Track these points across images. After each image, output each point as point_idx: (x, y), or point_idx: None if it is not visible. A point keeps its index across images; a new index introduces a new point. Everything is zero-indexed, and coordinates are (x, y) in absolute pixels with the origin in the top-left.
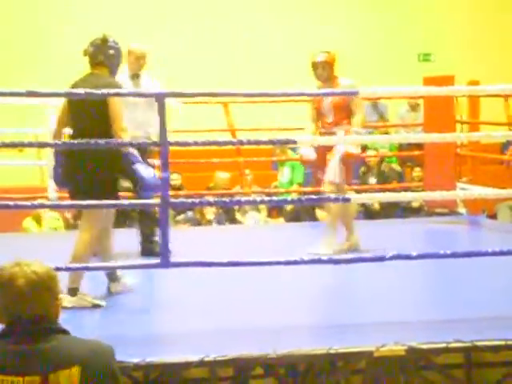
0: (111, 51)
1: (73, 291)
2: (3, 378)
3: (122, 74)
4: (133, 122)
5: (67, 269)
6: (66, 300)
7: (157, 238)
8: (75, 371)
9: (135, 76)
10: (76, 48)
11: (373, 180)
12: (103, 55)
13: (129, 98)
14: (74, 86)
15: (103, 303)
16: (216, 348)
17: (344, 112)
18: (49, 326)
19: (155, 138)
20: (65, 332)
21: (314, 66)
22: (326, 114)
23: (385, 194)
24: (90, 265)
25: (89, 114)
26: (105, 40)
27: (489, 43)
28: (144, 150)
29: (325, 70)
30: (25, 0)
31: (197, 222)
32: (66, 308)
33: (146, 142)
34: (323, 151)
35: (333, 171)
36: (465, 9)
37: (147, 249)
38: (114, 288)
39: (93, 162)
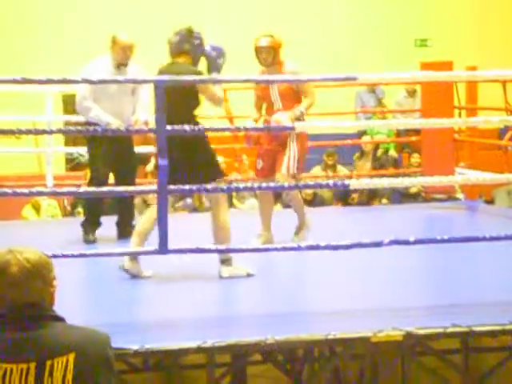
0: (196, 41)
1: (227, 262)
2: None
3: (106, 63)
4: (113, 112)
5: (70, 255)
6: (223, 270)
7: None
8: (71, 358)
9: (120, 65)
10: (76, 37)
11: (367, 165)
12: (188, 44)
13: (110, 88)
14: (159, 74)
15: (254, 271)
16: (214, 334)
17: (293, 99)
18: (43, 313)
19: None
20: (60, 319)
21: (258, 50)
22: (273, 101)
23: (383, 180)
24: (100, 251)
25: (176, 102)
26: (190, 30)
27: (486, 28)
28: (129, 137)
29: (269, 55)
30: None
31: (195, 209)
32: (222, 278)
33: (144, 128)
34: (272, 148)
35: (286, 164)
36: None
37: (126, 232)
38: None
39: (201, 149)
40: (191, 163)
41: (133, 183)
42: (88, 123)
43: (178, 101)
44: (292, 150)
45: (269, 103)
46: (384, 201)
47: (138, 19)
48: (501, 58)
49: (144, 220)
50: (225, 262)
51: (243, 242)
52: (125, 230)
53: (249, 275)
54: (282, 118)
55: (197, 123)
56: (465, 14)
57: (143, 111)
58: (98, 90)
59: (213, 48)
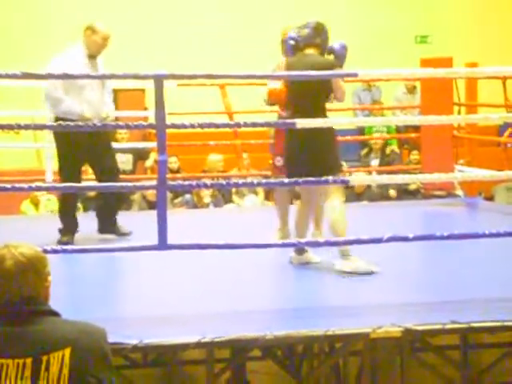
0: (325, 35)
1: (346, 255)
2: None
3: (76, 53)
4: (86, 103)
5: (70, 250)
6: (343, 265)
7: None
8: (67, 353)
9: (91, 57)
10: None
11: (375, 162)
12: (319, 38)
13: (81, 80)
14: (290, 66)
15: (378, 269)
16: (213, 329)
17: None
18: (38, 307)
19: (109, 118)
20: (55, 314)
21: (285, 42)
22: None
23: (383, 176)
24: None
25: (308, 93)
26: (321, 24)
27: (486, 25)
28: (106, 133)
29: None
30: None
31: (194, 205)
32: (345, 273)
33: (143, 124)
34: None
35: None
36: None
37: (108, 226)
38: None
39: (328, 141)
40: (316, 153)
41: (117, 177)
42: (57, 118)
43: (310, 92)
44: None
45: (282, 100)
46: (392, 192)
47: (135, 16)
48: (501, 55)
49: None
50: (344, 255)
51: (244, 237)
52: (106, 224)
53: (368, 273)
54: (275, 86)
55: (325, 115)
56: (465, 11)
57: (111, 103)
58: (69, 82)
59: (338, 43)
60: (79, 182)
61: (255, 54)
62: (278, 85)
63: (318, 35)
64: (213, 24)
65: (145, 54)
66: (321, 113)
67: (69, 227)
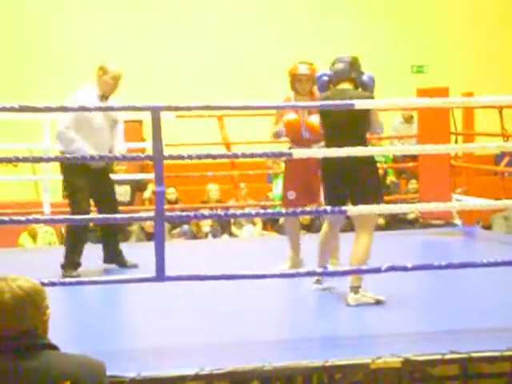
0: (359, 69)
1: (355, 289)
2: None
3: (89, 94)
4: (97, 144)
5: (68, 283)
6: (350, 298)
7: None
8: None
9: (104, 97)
10: (75, 64)
11: None
12: (354, 72)
13: (94, 121)
14: (327, 99)
15: (384, 298)
16: (212, 361)
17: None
18: (37, 341)
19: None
20: (54, 347)
21: (297, 78)
22: (301, 128)
23: (382, 206)
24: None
25: (347, 125)
26: (356, 58)
27: (482, 55)
28: (110, 169)
29: (309, 83)
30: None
31: (192, 236)
32: (350, 306)
33: (140, 155)
34: (305, 172)
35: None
36: (458, 21)
37: (113, 256)
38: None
39: (369, 168)
40: (362, 184)
41: (117, 209)
42: (63, 153)
43: (351, 125)
44: None
45: (297, 132)
46: (381, 221)
47: (133, 47)
48: (497, 84)
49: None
50: (354, 289)
51: (242, 268)
52: (110, 255)
53: (378, 302)
54: (315, 120)
55: (367, 145)
56: (461, 41)
57: (121, 144)
58: (82, 122)
59: (367, 76)
60: (89, 213)
61: (257, 83)
62: (294, 116)
63: (353, 69)
64: (213, 54)
65: (145, 85)
66: (363, 143)
67: (74, 262)
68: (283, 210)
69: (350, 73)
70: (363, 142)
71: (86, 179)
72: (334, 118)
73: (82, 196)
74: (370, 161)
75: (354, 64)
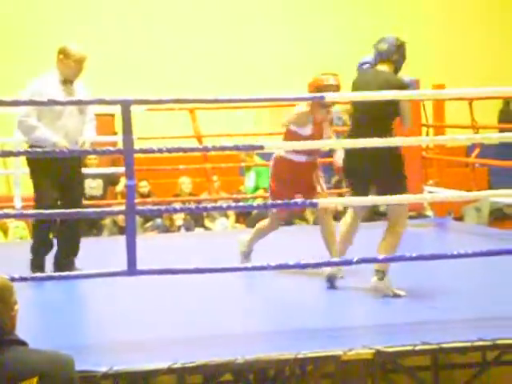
0: (402, 53)
1: (382, 274)
2: None
3: (50, 78)
4: (62, 130)
5: (38, 278)
6: (375, 283)
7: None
8: (34, 382)
9: (67, 81)
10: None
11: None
12: (397, 54)
13: (57, 107)
14: (361, 81)
15: (403, 293)
16: (184, 355)
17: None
18: (4, 337)
19: (86, 146)
20: (22, 343)
21: (326, 89)
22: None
23: (354, 199)
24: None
25: (373, 111)
26: (401, 40)
27: (452, 47)
28: (77, 159)
29: None
30: None
31: (165, 229)
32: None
33: (110, 149)
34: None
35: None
36: (429, 12)
37: (64, 264)
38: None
39: (397, 158)
40: (389, 174)
41: (80, 207)
42: (30, 146)
43: (374, 110)
44: (319, 174)
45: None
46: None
47: (121, 36)
48: (467, 77)
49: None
50: (378, 273)
51: (214, 261)
52: (63, 261)
53: (395, 296)
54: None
55: (392, 135)
56: (431, 34)
57: (92, 131)
58: (44, 109)
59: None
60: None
61: (243, 76)
62: (303, 108)
63: (396, 52)
64: (193, 48)
65: (130, 78)
66: (385, 133)
67: (39, 265)
68: (263, 203)
69: (393, 54)
70: (390, 132)
71: (52, 171)
72: (363, 103)
73: (46, 190)
74: (398, 151)
75: (398, 46)
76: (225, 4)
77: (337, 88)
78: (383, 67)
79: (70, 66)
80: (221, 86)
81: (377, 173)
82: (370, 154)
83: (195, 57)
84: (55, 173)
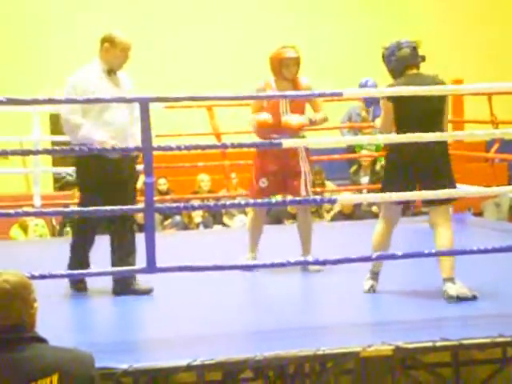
0: (420, 55)
1: (452, 280)
2: None
3: (94, 69)
4: (110, 123)
5: (59, 275)
6: (450, 289)
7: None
8: (54, 379)
9: (111, 72)
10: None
11: (365, 179)
12: (420, 58)
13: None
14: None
15: (477, 294)
16: (204, 352)
17: (301, 111)
18: (24, 335)
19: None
20: (42, 340)
21: (286, 62)
22: (281, 113)
23: (372, 195)
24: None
25: (432, 114)
26: (418, 42)
27: (471, 41)
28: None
29: (297, 67)
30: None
31: (184, 226)
32: (451, 297)
33: (130, 147)
34: (279, 168)
35: (304, 188)
36: (448, 7)
37: (123, 284)
38: (453, 290)
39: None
40: (441, 173)
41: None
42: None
43: (435, 114)
44: (307, 170)
45: (274, 115)
46: (374, 208)
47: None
48: (486, 71)
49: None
50: (450, 280)
51: (234, 258)
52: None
53: (474, 297)
54: (293, 119)
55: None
56: (448, 28)
57: (137, 134)
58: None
59: None
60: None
61: (251, 72)
62: (267, 116)
63: (417, 54)
64: (201, 44)
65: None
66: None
67: (82, 258)
68: (251, 200)
69: (417, 57)
70: (444, 131)
71: (101, 173)
72: (419, 106)
73: (93, 195)
74: (448, 152)
75: (417, 49)
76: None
77: (297, 60)
78: (414, 70)
79: (116, 55)
80: (222, 84)
81: (434, 174)
82: (429, 156)
83: (199, 54)
84: (106, 172)
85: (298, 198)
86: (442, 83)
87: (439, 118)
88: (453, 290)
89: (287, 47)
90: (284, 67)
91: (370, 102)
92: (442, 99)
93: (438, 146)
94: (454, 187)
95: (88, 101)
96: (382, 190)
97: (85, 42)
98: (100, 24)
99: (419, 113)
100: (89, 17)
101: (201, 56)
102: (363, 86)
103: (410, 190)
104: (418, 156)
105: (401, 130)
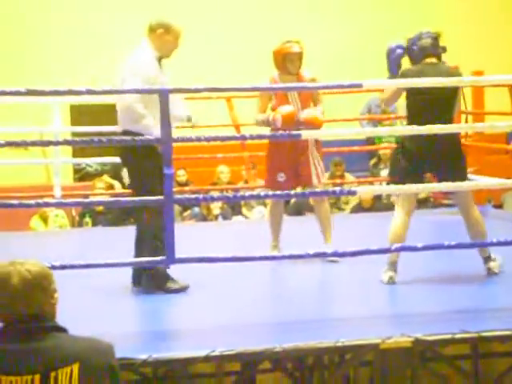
0: (441, 46)
1: (489, 258)
2: (3, 378)
3: (150, 57)
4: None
5: (78, 266)
6: (493, 267)
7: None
8: (75, 369)
9: (160, 60)
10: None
11: (384, 172)
12: (440, 48)
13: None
14: (418, 75)
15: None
16: (223, 343)
17: (308, 104)
18: (45, 324)
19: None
20: (62, 330)
21: (290, 57)
22: (295, 108)
23: (391, 186)
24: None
25: (444, 102)
26: (440, 34)
27: (492, 33)
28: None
29: (301, 62)
30: None
31: (203, 218)
32: (495, 273)
33: (148, 138)
34: (292, 154)
35: (315, 175)
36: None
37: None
38: (496, 268)
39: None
40: (457, 161)
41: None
42: (124, 132)
43: (448, 102)
44: (316, 160)
45: (293, 125)
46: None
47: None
48: (506, 63)
49: None
50: (489, 258)
51: (252, 249)
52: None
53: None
54: (314, 113)
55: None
56: (470, 19)
57: (184, 109)
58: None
59: None
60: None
61: (261, 65)
62: (290, 108)
63: (438, 45)
64: (213, 36)
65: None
66: (448, 121)
67: (165, 272)
68: (271, 191)
69: (438, 48)
70: (452, 121)
71: (157, 163)
72: (430, 94)
73: (154, 184)
74: (460, 142)
75: (438, 40)
76: None
77: (300, 55)
78: (433, 60)
79: (170, 42)
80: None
81: (448, 164)
82: (443, 143)
83: (204, 52)
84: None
85: (317, 190)
86: (458, 75)
87: (450, 103)
88: (496, 267)
89: (291, 42)
90: (288, 62)
91: (395, 69)
92: (453, 87)
93: (451, 138)
94: (466, 169)
95: (97, 92)
96: (399, 181)
97: (85, 41)
98: (100, 24)
99: (430, 98)
100: (89, 17)
101: (203, 55)
102: (393, 49)
103: (423, 177)
104: (429, 144)
105: (410, 113)
